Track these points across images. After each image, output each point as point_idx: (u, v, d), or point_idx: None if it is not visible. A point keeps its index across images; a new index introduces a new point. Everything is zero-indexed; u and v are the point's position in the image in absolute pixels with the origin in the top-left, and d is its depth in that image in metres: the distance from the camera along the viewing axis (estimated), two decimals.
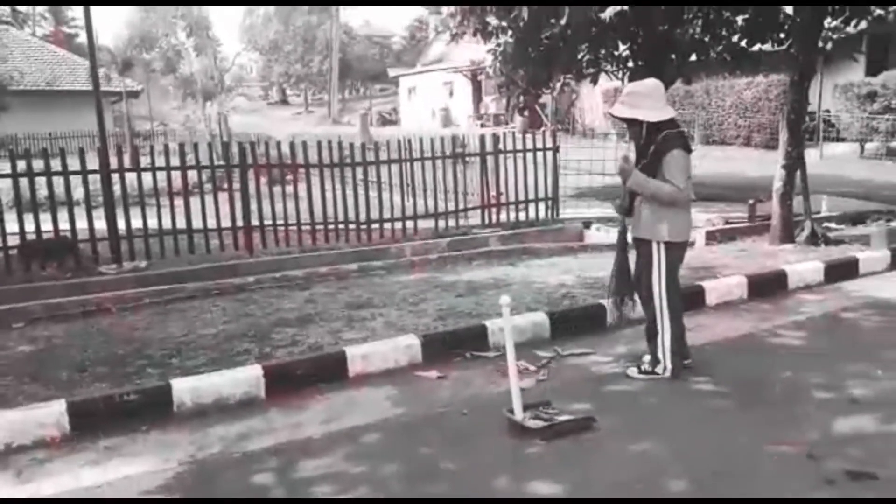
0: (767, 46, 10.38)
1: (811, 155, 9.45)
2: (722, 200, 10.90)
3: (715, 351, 4.83)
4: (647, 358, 4.43)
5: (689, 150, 4.23)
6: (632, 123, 4.28)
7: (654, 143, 4.17)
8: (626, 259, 4.50)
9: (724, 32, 10.60)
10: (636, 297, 4.53)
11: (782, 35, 9.50)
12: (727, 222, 9.01)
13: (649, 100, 4.23)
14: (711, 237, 8.28)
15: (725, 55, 10.93)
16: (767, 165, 9.60)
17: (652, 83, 4.37)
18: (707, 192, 10.78)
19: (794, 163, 7.63)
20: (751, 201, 9.14)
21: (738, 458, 3.34)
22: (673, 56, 11.07)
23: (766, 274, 6.28)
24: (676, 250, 4.31)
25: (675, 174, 4.12)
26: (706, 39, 10.77)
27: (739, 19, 10.29)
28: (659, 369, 4.32)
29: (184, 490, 3.28)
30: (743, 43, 10.56)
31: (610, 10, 8.84)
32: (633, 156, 4.41)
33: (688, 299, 5.68)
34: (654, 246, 4.25)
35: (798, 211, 7.80)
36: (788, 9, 9.09)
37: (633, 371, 4.39)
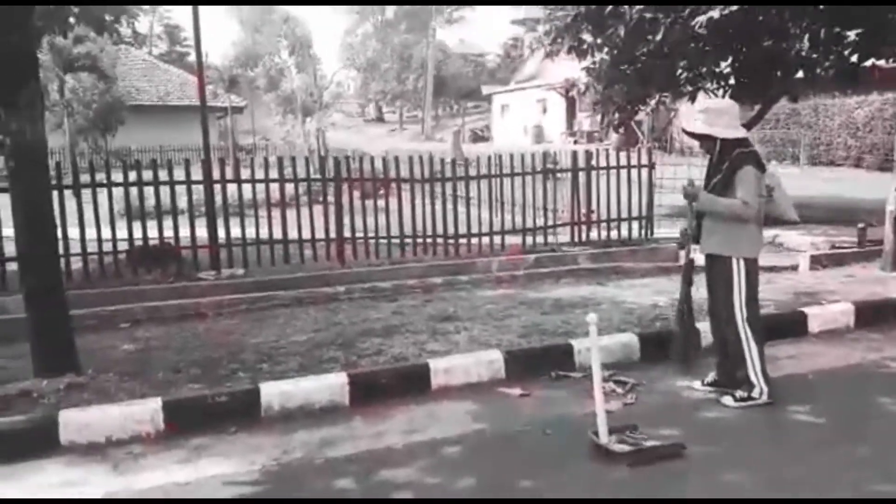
0: (882, 63, 9.82)
1: None
2: (828, 223, 10.33)
3: (817, 381, 4.55)
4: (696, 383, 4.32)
5: (762, 169, 4.19)
6: (705, 140, 4.28)
7: (728, 160, 4.15)
8: (690, 297, 4.49)
9: (834, 48, 10.08)
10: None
11: None
12: (834, 246, 8.53)
13: (725, 117, 4.24)
14: (816, 262, 7.85)
15: (835, 71, 10.38)
16: (880, 188, 9.04)
17: (728, 102, 4.55)
18: (812, 214, 10.25)
19: None
20: (861, 225, 8.61)
21: (834, 494, 3.11)
22: (778, 72, 10.62)
23: (875, 302, 5.89)
24: (754, 266, 4.21)
25: (746, 190, 4.08)
26: (814, 55, 10.28)
27: (852, 34, 9.77)
28: (756, 393, 4.14)
29: (267, 492, 3.35)
30: (854, 58, 10.02)
31: (703, 18, 8.54)
32: (701, 179, 4.41)
33: (788, 326, 5.44)
34: (734, 262, 4.16)
35: None
36: None
37: (727, 400, 4.18)
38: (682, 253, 4.64)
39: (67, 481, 3.52)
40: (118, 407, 4.03)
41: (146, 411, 3.99)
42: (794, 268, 7.86)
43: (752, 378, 4.14)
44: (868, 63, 10.06)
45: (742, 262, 4.15)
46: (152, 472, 3.58)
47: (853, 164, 20.38)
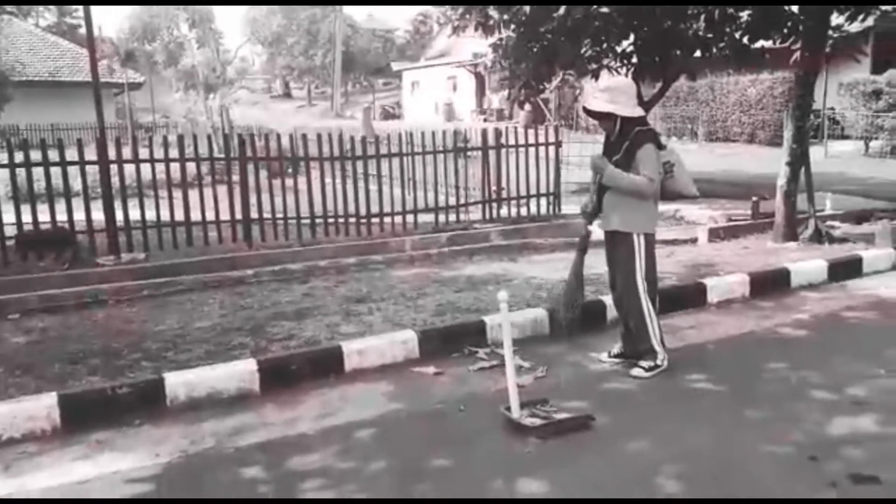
0: (770, 44, 10.30)
1: (816, 153, 9.37)
2: (724, 197, 10.84)
3: (716, 349, 4.77)
4: (603, 355, 4.49)
5: (660, 147, 4.33)
6: (605, 118, 4.36)
7: (628, 139, 4.26)
8: (582, 264, 4.64)
9: (727, 29, 10.50)
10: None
11: (786, 31, 9.42)
12: (730, 219, 8.95)
13: (624, 96, 4.33)
14: (714, 234, 8.22)
15: (728, 52, 10.83)
16: (771, 163, 9.52)
17: (628, 81, 4.69)
18: (710, 188, 10.70)
19: (799, 160, 7.57)
20: (754, 198, 9.08)
21: (738, 458, 3.29)
22: (677, 52, 10.98)
23: (768, 272, 6.22)
24: (652, 240, 4.38)
25: (649, 168, 4.21)
26: (710, 36, 10.68)
27: (744, 16, 10.20)
28: (659, 360, 4.32)
29: (173, 485, 3.23)
30: (745, 40, 10.47)
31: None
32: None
33: (689, 297, 5.68)
34: (635, 238, 4.30)
35: (802, 209, 7.73)
36: (794, 6, 9.01)
37: (637, 371, 4.32)
38: (583, 225, 4.74)
39: None
40: (8, 404, 3.78)
41: (40, 407, 3.77)
42: (694, 241, 8.21)
43: (655, 347, 4.32)
44: (758, 45, 10.54)
45: (642, 238, 4.30)
46: (48, 470, 3.38)
47: (747, 140, 21.42)
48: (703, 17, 10.39)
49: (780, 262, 6.51)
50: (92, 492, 3.20)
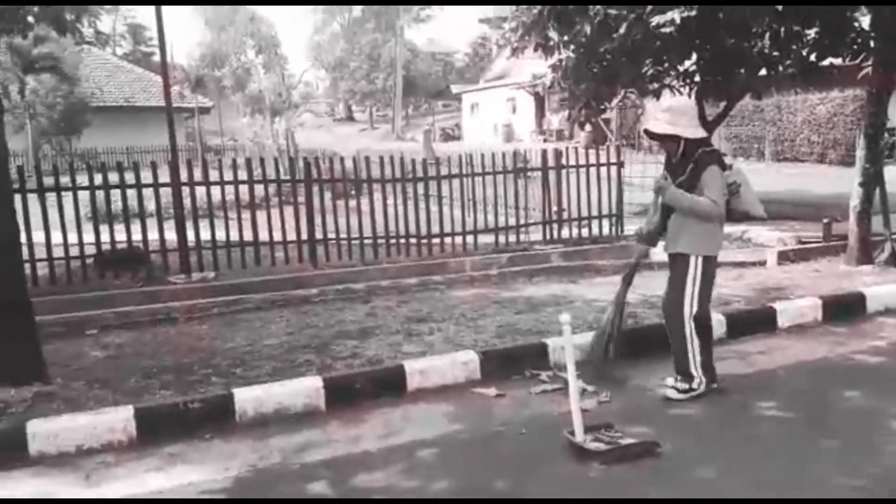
0: (839, 61, 10.00)
1: (890, 172, 9.02)
2: (794, 219, 10.52)
3: (787, 375, 4.63)
4: (669, 380, 4.39)
5: (724, 168, 4.26)
6: (667, 140, 4.30)
7: (692, 160, 4.20)
8: (625, 295, 4.66)
9: (793, 47, 10.26)
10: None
11: (855, 48, 9.15)
12: (800, 241, 8.68)
13: (686, 117, 4.28)
14: (784, 257, 7.99)
15: (795, 70, 10.58)
16: (843, 183, 9.22)
17: (690, 102, 4.63)
18: (778, 209, 10.41)
19: (873, 180, 7.31)
20: (825, 220, 8.79)
21: (811, 490, 3.17)
22: (741, 70, 10.78)
23: (842, 296, 6.01)
24: (712, 264, 4.30)
25: (713, 190, 4.14)
26: (775, 54, 10.45)
27: (811, 33, 9.95)
28: (695, 384, 4.27)
29: (242, 500, 3.32)
30: (812, 57, 10.21)
31: (661, 18, 8.64)
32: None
33: (758, 321, 5.53)
34: (692, 259, 4.23)
35: (877, 230, 7.45)
36: (864, 22, 8.75)
37: (671, 392, 4.30)
38: (636, 252, 4.68)
39: (38, 492, 3.45)
40: (88, 416, 3.96)
41: (118, 419, 3.93)
42: (763, 263, 8.00)
43: (693, 371, 4.27)
44: (826, 62, 10.25)
45: (700, 260, 4.22)
46: (125, 481, 3.52)
47: (817, 159, 20.76)
48: (767, 35, 10.18)
49: (855, 286, 6.29)
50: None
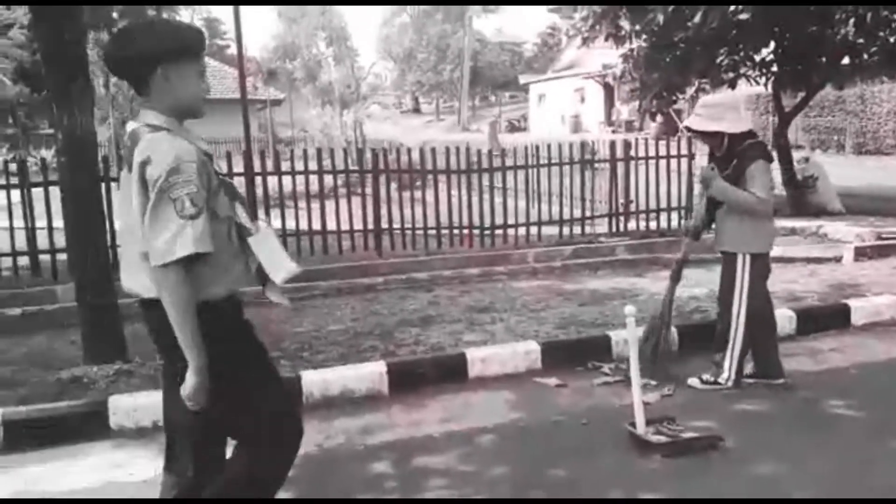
0: None
1: None
2: (874, 214, 10.09)
3: (859, 374, 4.49)
4: (745, 369, 4.30)
5: (771, 160, 4.16)
6: (711, 136, 4.20)
7: (737, 155, 4.09)
8: (673, 293, 4.55)
9: (880, 33, 9.81)
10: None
11: None
12: (880, 237, 8.34)
13: (731, 111, 4.17)
14: (861, 253, 7.69)
15: (881, 57, 10.10)
16: None
17: (733, 95, 4.51)
18: (857, 203, 10.01)
19: None
20: None
21: (873, 492, 3.08)
22: (822, 59, 10.38)
23: None
24: (761, 261, 4.18)
25: (758, 185, 4.03)
26: (860, 40, 10.01)
27: None
28: (722, 379, 4.23)
29: (309, 476, 3.44)
30: None
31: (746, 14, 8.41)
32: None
33: (831, 318, 5.37)
34: (740, 258, 4.15)
35: None
36: None
37: (694, 381, 4.29)
38: (683, 247, 4.59)
39: (115, 463, 3.66)
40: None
41: None
42: (838, 259, 7.71)
43: (725, 364, 4.23)
44: None
45: (748, 258, 4.13)
46: None
47: None
48: (851, 20, 9.76)
49: None
50: None
